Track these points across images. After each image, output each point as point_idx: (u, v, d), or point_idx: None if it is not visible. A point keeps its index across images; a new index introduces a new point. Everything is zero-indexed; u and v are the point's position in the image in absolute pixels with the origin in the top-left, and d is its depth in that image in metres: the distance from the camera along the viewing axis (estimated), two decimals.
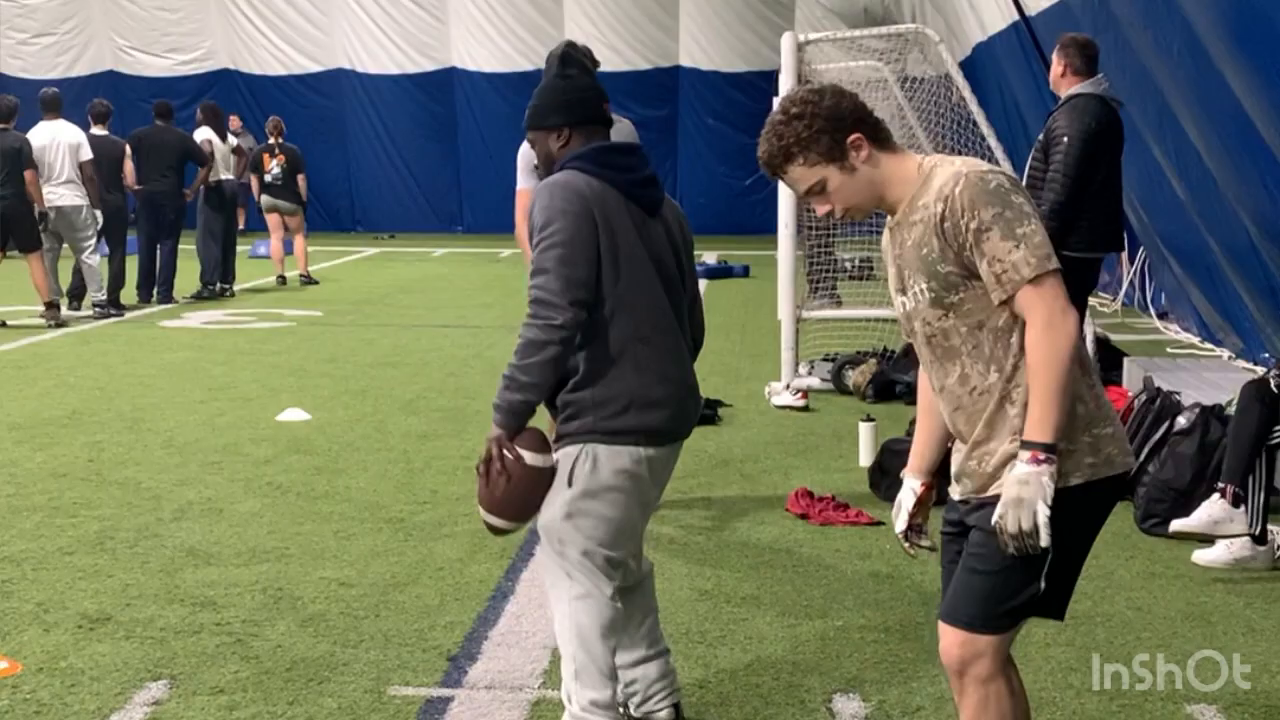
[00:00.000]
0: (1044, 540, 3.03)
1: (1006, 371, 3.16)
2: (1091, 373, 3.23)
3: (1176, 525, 6.27)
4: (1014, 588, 3.16)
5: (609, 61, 26.90)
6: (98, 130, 15.01)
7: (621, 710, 4.14)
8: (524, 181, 6.18)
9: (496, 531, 4.08)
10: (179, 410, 9.35)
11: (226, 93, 26.16)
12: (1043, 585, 3.14)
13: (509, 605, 5.42)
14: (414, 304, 16.11)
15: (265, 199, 17.97)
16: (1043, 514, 3.02)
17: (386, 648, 4.93)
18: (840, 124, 3.21)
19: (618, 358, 3.86)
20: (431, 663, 4.80)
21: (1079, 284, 7.81)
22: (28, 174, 13.43)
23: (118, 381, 10.50)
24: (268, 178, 17.88)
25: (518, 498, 3.93)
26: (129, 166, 15.10)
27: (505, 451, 3.85)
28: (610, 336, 3.86)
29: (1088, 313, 8.29)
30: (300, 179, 18.08)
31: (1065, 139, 7.46)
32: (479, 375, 10.73)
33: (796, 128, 3.21)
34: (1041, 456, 3.04)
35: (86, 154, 14.12)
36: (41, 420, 8.95)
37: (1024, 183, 7.81)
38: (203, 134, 16.52)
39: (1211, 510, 6.08)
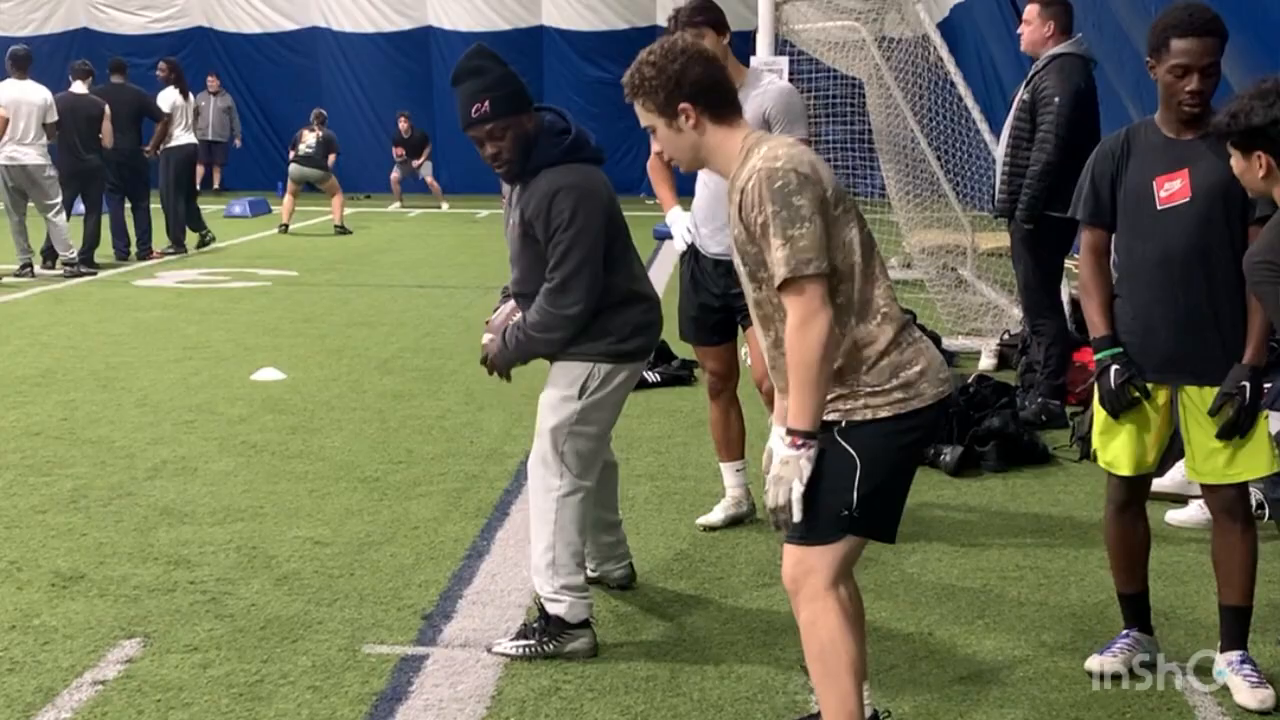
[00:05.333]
0: (796, 515, 3.35)
1: None
2: (895, 322, 3.45)
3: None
4: (827, 502, 3.39)
5: (585, 21, 26.89)
6: (79, 88, 14.81)
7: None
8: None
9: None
10: (153, 369, 9.30)
11: (201, 51, 25.81)
12: (855, 501, 3.38)
13: (484, 564, 5.42)
14: (390, 264, 16.03)
15: (295, 168, 19.75)
16: (797, 490, 3.35)
17: (361, 606, 4.93)
18: (678, 89, 3.51)
19: (624, 295, 4.53)
20: (406, 621, 4.80)
21: (1058, 244, 7.82)
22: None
23: (91, 340, 10.44)
24: (302, 148, 19.71)
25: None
26: (107, 127, 14.89)
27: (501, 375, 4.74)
28: (617, 282, 4.51)
29: (1063, 275, 8.28)
30: (332, 157, 20.02)
31: (1056, 99, 7.40)
32: (454, 335, 10.71)
33: (646, 73, 3.54)
34: (800, 441, 3.35)
35: (54, 115, 14.02)
36: (14, 379, 8.89)
37: (1008, 143, 7.74)
38: (167, 95, 16.43)
39: (1184, 471, 6.11)
